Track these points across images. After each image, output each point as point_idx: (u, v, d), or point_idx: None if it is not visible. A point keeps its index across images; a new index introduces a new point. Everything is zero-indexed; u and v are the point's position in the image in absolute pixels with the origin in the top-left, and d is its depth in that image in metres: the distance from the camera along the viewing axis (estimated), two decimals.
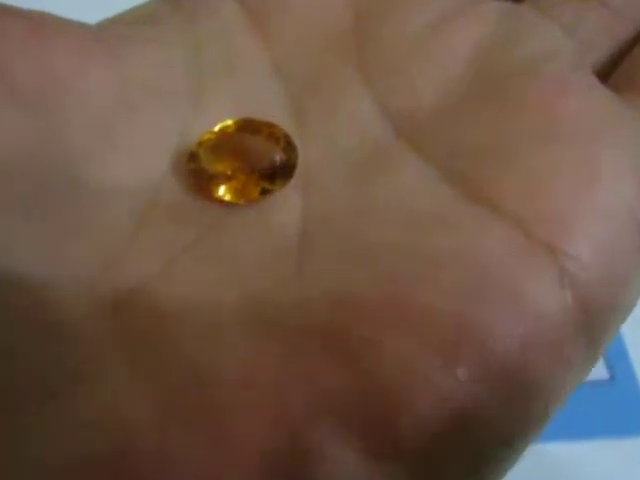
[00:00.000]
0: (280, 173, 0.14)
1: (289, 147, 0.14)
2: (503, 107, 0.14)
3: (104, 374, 0.12)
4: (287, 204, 0.14)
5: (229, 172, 0.14)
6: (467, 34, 0.15)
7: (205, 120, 0.15)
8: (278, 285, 0.12)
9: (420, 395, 0.11)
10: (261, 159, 0.14)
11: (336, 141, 0.15)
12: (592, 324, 0.12)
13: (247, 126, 0.14)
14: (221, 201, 0.14)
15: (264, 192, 0.14)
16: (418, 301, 0.12)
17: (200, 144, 0.14)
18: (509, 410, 0.11)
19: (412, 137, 0.14)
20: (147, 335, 0.12)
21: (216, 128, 0.14)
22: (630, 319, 0.13)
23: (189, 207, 0.14)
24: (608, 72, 0.16)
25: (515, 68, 0.15)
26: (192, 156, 0.14)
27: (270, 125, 0.14)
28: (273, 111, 0.15)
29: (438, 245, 0.12)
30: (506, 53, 0.15)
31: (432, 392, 0.11)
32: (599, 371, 0.26)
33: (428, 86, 0.15)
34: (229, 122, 0.14)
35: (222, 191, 0.14)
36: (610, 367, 0.26)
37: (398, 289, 0.12)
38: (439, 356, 0.11)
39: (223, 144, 0.14)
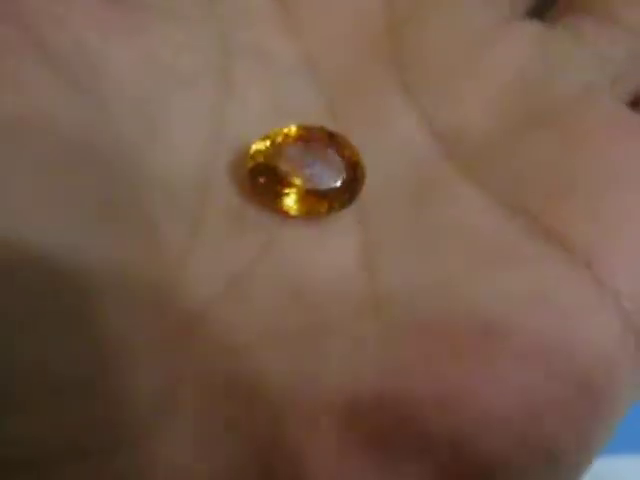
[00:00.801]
0: (346, 193, 0.13)
1: (357, 166, 0.13)
2: (563, 142, 0.14)
3: (167, 427, 0.11)
4: (343, 225, 0.13)
5: (297, 182, 0.13)
6: (510, 55, 0.15)
7: (241, 112, 0.14)
8: (354, 317, 0.12)
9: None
10: (330, 175, 0.13)
11: (384, 158, 0.14)
12: None
13: (316, 135, 0.13)
14: (282, 211, 0.13)
15: (328, 210, 0.13)
16: (509, 342, 0.12)
17: (263, 145, 0.13)
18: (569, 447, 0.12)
19: (465, 161, 0.14)
20: (219, 376, 0.11)
21: (281, 131, 0.13)
22: None
23: (246, 212, 0.13)
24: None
25: (561, 99, 0.14)
26: (254, 157, 0.13)
27: (340, 139, 0.13)
28: (311, 111, 0.14)
29: (511, 283, 0.12)
30: (549, 81, 0.14)
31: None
32: None
33: (476, 105, 0.14)
34: (295, 127, 0.13)
35: (290, 202, 0.13)
36: None
37: (488, 328, 0.12)
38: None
39: (289, 150, 0.13)
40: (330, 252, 0.13)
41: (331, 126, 0.14)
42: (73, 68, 0.12)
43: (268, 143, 0.13)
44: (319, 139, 0.13)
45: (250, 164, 0.13)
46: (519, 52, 0.15)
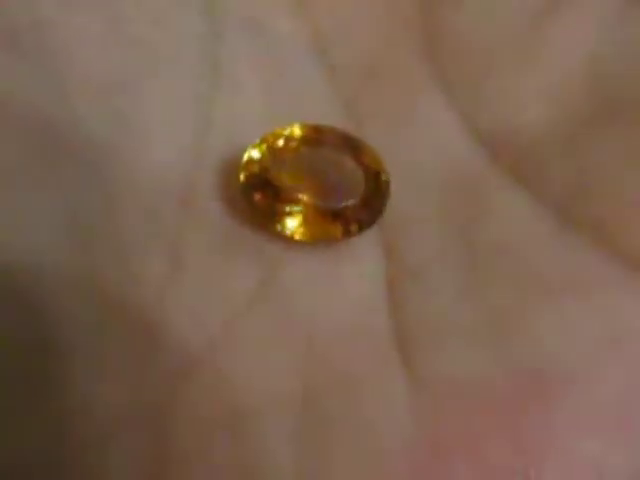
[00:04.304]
0: (365, 211, 0.11)
1: (379, 177, 0.11)
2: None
3: None
4: (363, 252, 0.11)
5: (303, 199, 0.10)
6: (574, 33, 0.12)
7: (232, 103, 0.11)
8: (379, 371, 0.10)
9: None
10: (345, 190, 0.11)
11: (416, 167, 0.12)
12: None
13: (327, 138, 0.11)
14: (285, 235, 0.10)
15: (344, 233, 0.10)
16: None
17: (259, 150, 0.11)
18: None
19: (514, 167, 0.11)
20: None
21: (282, 132, 0.11)
22: None
23: (238, 236, 0.11)
24: None
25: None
26: (247, 166, 0.11)
27: (358, 143, 0.11)
28: (322, 107, 0.12)
29: (580, 319, 0.10)
30: (627, 66, 0.12)
31: None
32: None
33: (531, 100, 0.12)
34: (300, 127, 0.11)
35: (295, 223, 0.10)
36: None
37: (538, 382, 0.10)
38: None
39: (292, 158, 0.11)
40: (347, 287, 0.10)
41: (348, 127, 0.11)
42: (27, 46, 0.10)
43: (265, 148, 0.11)
44: (331, 143, 0.11)
45: (243, 176, 0.11)
46: (585, 24, 0.12)
